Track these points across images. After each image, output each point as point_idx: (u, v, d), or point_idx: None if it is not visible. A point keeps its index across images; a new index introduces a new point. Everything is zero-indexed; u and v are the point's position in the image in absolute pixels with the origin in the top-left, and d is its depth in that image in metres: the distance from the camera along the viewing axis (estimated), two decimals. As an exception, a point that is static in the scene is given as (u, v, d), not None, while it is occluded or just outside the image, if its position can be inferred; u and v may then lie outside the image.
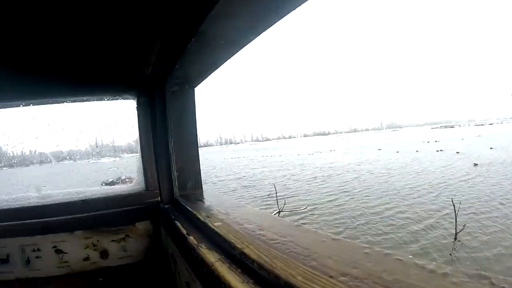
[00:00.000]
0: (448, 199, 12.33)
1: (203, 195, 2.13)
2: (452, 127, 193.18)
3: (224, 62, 1.66)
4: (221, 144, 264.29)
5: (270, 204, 13.39)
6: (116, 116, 2.70)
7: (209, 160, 47.89)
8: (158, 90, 2.21)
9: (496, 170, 18.73)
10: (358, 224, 10.26)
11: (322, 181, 19.15)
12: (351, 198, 13.91)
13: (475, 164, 21.52)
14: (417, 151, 37.38)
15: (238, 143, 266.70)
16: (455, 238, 8.35)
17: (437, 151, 34.77)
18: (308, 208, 12.35)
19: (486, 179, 16.14)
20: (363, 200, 13.34)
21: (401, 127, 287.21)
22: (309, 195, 15.30)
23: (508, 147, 33.32)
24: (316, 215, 11.52)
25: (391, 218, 10.55)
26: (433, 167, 22.01)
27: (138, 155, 2.58)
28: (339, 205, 12.82)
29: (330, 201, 13.67)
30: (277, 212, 11.11)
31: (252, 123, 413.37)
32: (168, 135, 2.24)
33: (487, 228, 9.07)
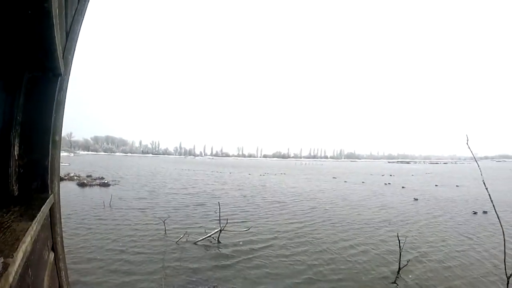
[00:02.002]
0: (376, 232, 13.16)
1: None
2: (408, 162, 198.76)
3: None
4: (180, 154, 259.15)
5: (215, 221, 13.38)
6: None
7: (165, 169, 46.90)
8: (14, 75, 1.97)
9: (432, 205, 20.31)
10: (294, 252, 10.35)
11: (276, 204, 19.15)
12: (293, 223, 14.10)
13: (415, 199, 23.11)
14: (363, 182, 38.96)
15: (198, 155, 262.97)
16: (398, 273, 8.45)
17: (385, 184, 36.47)
18: (251, 230, 12.21)
19: (419, 212, 17.33)
20: (307, 227, 13.54)
21: (359, 158, 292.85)
22: (255, 215, 15.35)
23: (451, 185, 36.10)
24: (257, 238, 11.43)
25: (334, 250, 10.45)
26: (375, 198, 23.07)
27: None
28: (278, 230, 12.90)
29: (275, 224, 13.77)
30: (218, 231, 11.02)
31: (213, 137, 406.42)
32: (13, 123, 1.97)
33: (427, 263, 9.36)
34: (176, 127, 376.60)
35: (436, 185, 35.56)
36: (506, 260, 7.48)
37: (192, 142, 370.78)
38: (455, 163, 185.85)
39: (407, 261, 8.69)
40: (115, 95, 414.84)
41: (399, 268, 8.44)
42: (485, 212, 17.70)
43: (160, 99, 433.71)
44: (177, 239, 10.49)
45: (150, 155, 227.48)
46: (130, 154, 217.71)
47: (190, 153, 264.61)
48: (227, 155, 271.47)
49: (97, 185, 26.01)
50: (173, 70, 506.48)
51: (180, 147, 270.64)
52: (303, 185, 32.90)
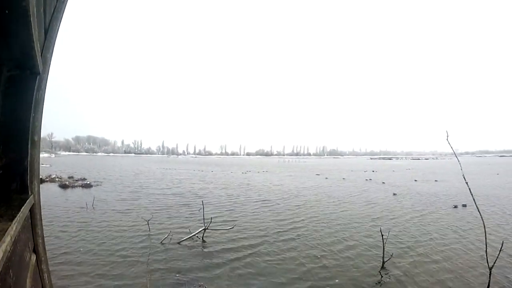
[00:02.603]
0: (358, 227, 13.34)
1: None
2: (390, 158, 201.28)
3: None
4: (163, 154, 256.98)
5: (199, 220, 13.31)
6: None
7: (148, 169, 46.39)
8: None
9: (410, 199, 20.77)
10: (279, 249, 10.39)
11: (260, 202, 19.16)
12: (278, 220, 14.18)
13: (394, 194, 23.61)
14: (343, 178, 39.58)
15: (181, 154, 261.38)
16: (383, 266, 8.57)
17: (366, 180, 37.10)
18: (236, 228, 12.22)
19: (398, 207, 17.58)
20: (292, 224, 13.57)
21: (342, 155, 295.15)
22: (239, 214, 15.29)
23: (430, 180, 36.89)
24: (242, 236, 11.40)
25: (319, 246, 10.53)
26: (357, 194, 23.38)
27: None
28: (264, 228, 12.88)
29: (259, 222, 13.77)
30: (202, 229, 10.96)
31: (196, 135, 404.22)
32: None
33: (410, 257, 9.51)
34: (158, 126, 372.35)
35: (415, 180, 36.28)
36: (487, 252, 7.69)
37: (175, 141, 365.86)
38: (436, 158, 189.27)
39: (391, 255, 8.85)
40: (97, 94, 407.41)
41: (383, 262, 8.57)
42: (464, 206, 18.14)
43: (142, 98, 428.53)
44: (162, 239, 10.41)
45: (133, 154, 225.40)
46: (112, 154, 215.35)
47: (173, 152, 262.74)
48: (210, 154, 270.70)
49: (79, 186, 25.58)
50: (156, 69, 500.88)
51: (163, 146, 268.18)
52: (287, 182, 33.03)
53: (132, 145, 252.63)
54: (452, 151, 8.01)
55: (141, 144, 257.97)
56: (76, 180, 29.25)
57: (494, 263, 7.37)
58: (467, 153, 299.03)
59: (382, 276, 7.97)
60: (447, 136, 7.57)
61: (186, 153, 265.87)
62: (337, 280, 7.63)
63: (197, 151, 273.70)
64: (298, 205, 18.04)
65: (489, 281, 7.33)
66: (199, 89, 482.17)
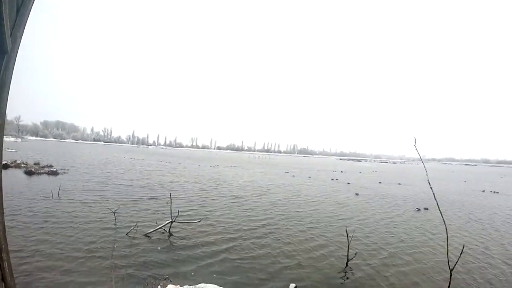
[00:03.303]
0: (320, 225, 13.53)
1: None
2: (359, 160, 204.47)
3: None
4: (132, 143, 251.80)
5: (167, 212, 13.22)
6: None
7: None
8: None
9: (372, 201, 21.49)
10: (246, 245, 10.41)
11: (228, 196, 19.20)
12: (242, 216, 14.18)
13: (357, 194, 24.54)
14: (309, 177, 40.40)
15: (151, 144, 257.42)
16: (347, 265, 8.79)
17: (332, 179, 38.07)
18: (202, 222, 12.23)
19: (360, 207, 17.98)
20: (258, 220, 13.66)
21: (312, 154, 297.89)
22: (208, 208, 15.24)
23: (394, 183, 38.20)
24: (210, 231, 11.38)
25: (284, 243, 10.67)
26: (321, 194, 23.80)
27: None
28: (232, 221, 12.96)
29: (227, 217, 13.75)
30: (169, 222, 10.86)
31: (167, 126, 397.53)
32: None
33: (374, 256, 9.79)
34: (129, 115, 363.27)
35: (380, 183, 37.49)
36: (448, 254, 8.06)
37: (146, 131, 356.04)
38: (404, 163, 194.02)
39: (355, 254, 9.17)
40: (68, 77, 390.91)
41: (347, 261, 8.84)
42: (426, 209, 18.88)
43: (114, 84, 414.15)
44: (128, 231, 10.29)
45: (102, 143, 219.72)
46: (81, 141, 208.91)
47: (143, 142, 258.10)
48: (181, 146, 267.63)
49: (45, 173, 24.87)
50: (129, 56, 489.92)
51: (133, 136, 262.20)
52: (257, 178, 33.21)
53: (102, 133, 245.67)
54: (419, 157, 8.35)
55: (111, 132, 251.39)
56: (42, 167, 28.36)
57: (455, 265, 7.72)
58: (433, 159, 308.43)
59: (345, 274, 8.18)
60: (415, 142, 7.88)
61: (156, 144, 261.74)
62: (301, 278, 7.74)
63: (167, 142, 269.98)
64: (266, 202, 18.11)
65: (450, 282, 7.62)
66: (172, 79, 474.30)
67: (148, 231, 10.38)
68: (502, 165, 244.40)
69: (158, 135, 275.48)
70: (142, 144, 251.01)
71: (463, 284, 8.17)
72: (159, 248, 9.13)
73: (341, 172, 55.81)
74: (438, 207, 8.49)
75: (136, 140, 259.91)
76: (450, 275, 7.61)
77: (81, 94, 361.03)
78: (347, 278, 7.99)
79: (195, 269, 7.73)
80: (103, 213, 12.75)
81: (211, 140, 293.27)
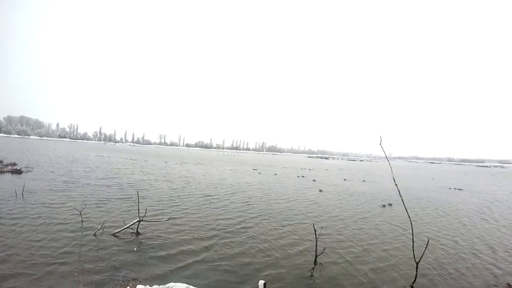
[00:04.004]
0: (294, 220, 13.77)
1: None
2: (326, 158, 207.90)
3: None
4: (99, 140, 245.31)
5: (135, 211, 13.09)
6: None
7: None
8: None
9: (335, 197, 22.30)
10: (211, 244, 10.41)
11: (197, 194, 19.15)
12: (212, 213, 14.19)
13: (321, 190, 25.39)
14: (275, 174, 41.08)
15: (118, 141, 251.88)
16: (315, 260, 9.07)
17: (298, 176, 38.90)
18: (172, 221, 12.24)
19: (324, 204, 18.31)
20: (224, 216, 13.80)
21: (281, 152, 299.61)
22: (178, 206, 15.21)
23: (358, 180, 39.55)
24: (178, 229, 11.39)
25: (253, 240, 10.81)
26: (287, 190, 24.32)
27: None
28: (201, 220, 12.98)
29: (194, 214, 13.79)
30: (137, 221, 10.70)
31: (135, 122, 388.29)
32: None
33: (341, 251, 10.15)
34: (96, 110, 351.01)
35: (345, 179, 38.73)
36: (414, 247, 8.65)
37: (113, 127, 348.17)
38: (371, 161, 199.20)
39: (323, 249, 9.55)
40: (32, 69, 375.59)
41: (316, 256, 9.15)
42: (390, 205, 19.82)
43: (80, 78, 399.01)
44: (95, 231, 10.17)
45: (68, 139, 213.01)
46: (46, 138, 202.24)
47: (110, 139, 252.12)
48: (149, 143, 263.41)
49: (8, 171, 24.17)
50: (96, 49, 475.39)
51: (100, 132, 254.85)
52: (227, 176, 33.14)
53: (67, 129, 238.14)
54: (384, 155, 8.96)
55: (77, 128, 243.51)
56: (5, 165, 27.44)
57: (421, 258, 8.30)
58: (400, 157, 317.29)
59: (314, 269, 8.49)
60: (381, 141, 8.42)
61: (124, 141, 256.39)
62: (269, 275, 7.90)
63: (135, 139, 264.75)
64: (236, 201, 18.20)
65: (416, 274, 8.16)
66: (140, 74, 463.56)
67: (116, 231, 10.25)
68: (464, 163, 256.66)
69: (126, 132, 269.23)
70: (109, 141, 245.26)
71: (429, 275, 8.64)
72: (127, 248, 9.04)
73: (309, 169, 56.89)
74: (403, 203, 9.15)
75: (103, 136, 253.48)
76: (416, 268, 8.13)
77: (46, 88, 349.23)
78: (315, 273, 8.27)
79: (164, 268, 7.75)
80: (70, 214, 12.45)
81: (180, 137, 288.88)
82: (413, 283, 7.99)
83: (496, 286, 8.12)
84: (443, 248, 11.27)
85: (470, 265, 9.68)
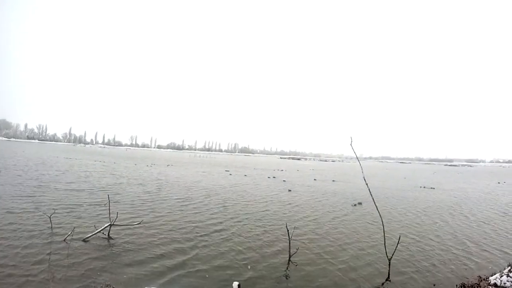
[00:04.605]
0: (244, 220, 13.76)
1: None
2: (298, 159, 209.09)
3: None
4: (69, 142, 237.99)
5: (105, 216, 12.78)
6: None
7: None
8: None
9: (302, 196, 22.24)
10: (186, 248, 10.22)
11: (172, 197, 18.99)
12: (185, 216, 14.10)
13: (290, 190, 25.85)
14: (245, 175, 41.42)
15: (88, 143, 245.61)
16: (289, 260, 9.19)
17: (268, 177, 39.34)
18: (142, 224, 12.09)
19: (294, 203, 18.47)
20: (197, 219, 13.73)
21: (253, 153, 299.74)
22: (150, 210, 15.10)
23: (328, 180, 40.14)
24: (150, 232, 11.32)
25: (228, 242, 10.85)
26: (259, 191, 24.58)
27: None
28: (175, 224, 12.86)
29: (168, 218, 13.66)
30: (108, 226, 10.51)
31: (106, 123, 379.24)
32: None
33: (314, 250, 10.41)
34: (66, 110, 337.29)
35: (315, 179, 39.51)
36: (386, 244, 9.00)
37: (83, 128, 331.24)
38: (342, 161, 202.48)
39: (297, 249, 9.65)
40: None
41: (289, 256, 9.29)
42: (360, 203, 20.43)
43: (48, 76, 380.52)
44: (65, 237, 9.90)
45: (37, 141, 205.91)
46: (14, 139, 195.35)
47: (80, 140, 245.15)
48: (120, 144, 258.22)
49: (-29, 176, 22.81)
50: (64, 46, 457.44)
51: (70, 134, 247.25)
52: (200, 179, 32.94)
53: (36, 130, 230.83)
54: (355, 155, 9.31)
55: (46, 129, 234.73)
56: None
57: (393, 254, 8.64)
58: (370, 158, 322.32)
59: (288, 268, 8.65)
60: (351, 141, 8.69)
61: (94, 142, 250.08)
62: (244, 275, 8.03)
63: (106, 140, 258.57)
64: (210, 203, 18.08)
65: (389, 270, 8.46)
66: (110, 73, 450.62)
67: (87, 236, 10.06)
68: (434, 162, 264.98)
69: (96, 133, 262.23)
70: (79, 143, 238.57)
71: (403, 271, 8.97)
72: (99, 253, 8.87)
73: (281, 170, 57.37)
74: (374, 201, 9.51)
75: (73, 138, 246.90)
76: (389, 263, 8.43)
77: (15, 87, 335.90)
78: (290, 272, 8.41)
79: (138, 274, 7.65)
80: (39, 219, 12.06)
81: (151, 138, 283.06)
82: (387, 279, 8.28)
83: (467, 278, 8.46)
84: (417, 244, 11.77)
85: (443, 260, 10.17)
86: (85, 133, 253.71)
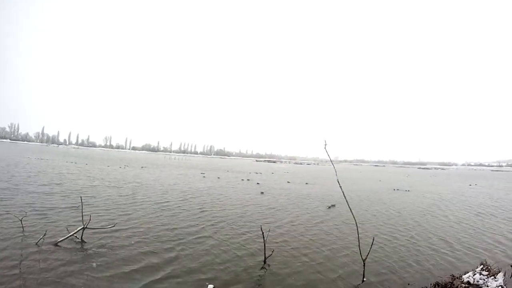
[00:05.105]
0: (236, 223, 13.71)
1: None
2: (274, 162, 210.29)
3: None
4: (42, 142, 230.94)
5: (78, 219, 12.51)
6: None
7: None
8: None
9: (276, 198, 22.65)
10: (165, 248, 10.25)
11: (145, 200, 18.79)
12: (160, 220, 13.98)
13: (262, 193, 26.17)
14: (218, 177, 41.56)
15: (62, 143, 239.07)
16: (265, 262, 9.30)
17: (242, 180, 39.73)
18: (117, 226, 11.97)
19: (265, 205, 18.32)
20: (171, 223, 13.61)
21: (229, 156, 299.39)
22: (126, 213, 14.88)
23: (301, 183, 40.44)
24: (124, 235, 11.18)
25: (203, 245, 10.84)
26: (232, 194, 24.57)
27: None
28: (150, 228, 12.70)
29: (143, 222, 13.48)
30: (81, 229, 10.29)
31: (79, 123, 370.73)
32: None
33: (289, 252, 10.52)
34: (38, 109, 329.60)
35: (288, 182, 40.06)
36: (360, 245, 9.18)
37: (56, 128, 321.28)
38: (317, 164, 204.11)
39: (272, 251, 9.81)
40: None
41: (265, 258, 9.41)
42: (333, 206, 20.84)
43: (20, 74, 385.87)
44: (37, 240, 9.70)
45: (8, 140, 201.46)
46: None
47: (54, 140, 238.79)
48: (94, 145, 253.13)
49: None
50: (35, 43, 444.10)
51: (43, 133, 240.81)
52: (176, 181, 32.76)
53: (8, 129, 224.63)
54: (329, 159, 9.56)
55: (18, 128, 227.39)
56: None
57: (367, 255, 8.82)
58: (345, 161, 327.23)
59: (264, 272, 8.70)
60: (325, 144, 8.89)
61: (67, 143, 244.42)
62: (220, 277, 8.05)
63: (79, 141, 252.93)
64: (187, 207, 17.95)
65: (364, 270, 8.64)
66: (84, 71, 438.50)
67: (59, 240, 9.84)
68: (407, 165, 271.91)
69: (70, 133, 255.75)
70: (52, 143, 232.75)
71: (377, 270, 9.21)
72: (71, 258, 8.67)
73: (256, 173, 57.69)
74: (348, 204, 9.71)
75: (46, 138, 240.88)
76: (364, 265, 8.62)
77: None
78: (265, 275, 8.48)
79: (112, 279, 7.54)
80: (9, 220, 11.82)
81: (126, 139, 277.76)
82: (362, 279, 8.48)
83: (441, 277, 8.77)
84: (393, 245, 12.17)
85: (418, 260, 10.53)
86: (58, 133, 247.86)
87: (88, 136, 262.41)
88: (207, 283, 7.63)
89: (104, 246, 9.86)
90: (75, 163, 51.45)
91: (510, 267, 9.81)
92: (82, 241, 10.10)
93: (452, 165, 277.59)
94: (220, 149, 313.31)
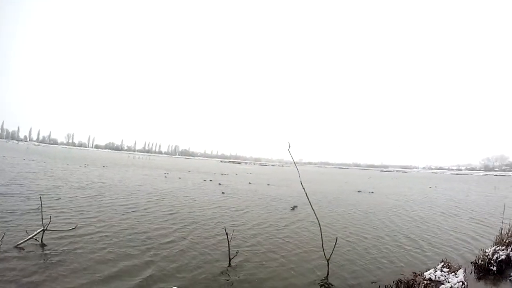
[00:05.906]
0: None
1: None
2: (239, 163, 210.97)
3: None
4: (1, 138, 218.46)
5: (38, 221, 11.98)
6: None
7: None
8: None
9: (238, 199, 22.32)
10: (125, 254, 10.06)
11: (99, 198, 18.31)
12: (124, 222, 13.68)
13: (223, 193, 26.45)
14: (179, 178, 41.46)
15: (22, 139, 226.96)
16: (229, 264, 9.28)
17: (204, 180, 39.85)
18: (78, 228, 11.64)
19: (225, 206, 18.23)
20: (135, 225, 13.35)
21: (194, 156, 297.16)
22: (87, 216, 14.35)
23: (263, 184, 41.24)
24: (85, 237, 10.92)
25: (166, 246, 10.77)
26: (192, 194, 24.49)
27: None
28: (114, 229, 12.40)
29: (103, 223, 13.16)
30: (41, 231, 9.94)
31: (41, 119, 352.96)
32: None
33: (254, 253, 10.54)
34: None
35: (249, 183, 40.47)
36: (324, 246, 9.29)
37: (16, 123, 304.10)
38: (282, 166, 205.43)
39: (236, 252, 9.87)
40: None
41: (229, 260, 9.40)
42: (296, 207, 20.87)
43: None
44: None
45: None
46: None
47: (13, 136, 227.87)
48: (55, 142, 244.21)
49: None
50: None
51: (2, 129, 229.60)
52: (142, 182, 32.12)
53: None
54: (293, 161, 9.58)
55: None
56: None
57: (331, 255, 9.05)
58: (310, 163, 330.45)
59: (228, 273, 8.70)
60: (289, 147, 8.99)
61: (28, 139, 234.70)
62: (185, 278, 8.11)
63: (40, 137, 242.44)
64: (152, 208, 17.60)
65: (328, 270, 8.86)
66: (46, 65, 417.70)
67: (18, 243, 9.45)
68: (370, 168, 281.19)
69: (31, 129, 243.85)
70: (12, 139, 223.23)
71: (341, 269, 9.40)
72: (30, 261, 8.38)
73: (221, 174, 57.70)
74: (311, 204, 9.85)
75: (5, 134, 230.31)
76: (328, 264, 8.89)
77: None
78: (230, 275, 8.49)
79: (71, 282, 7.34)
80: None
81: (89, 137, 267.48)
82: (326, 279, 8.64)
83: (403, 275, 9.00)
84: (357, 245, 12.43)
85: (382, 258, 10.81)
86: (18, 129, 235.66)
87: (50, 132, 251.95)
88: (174, 284, 7.59)
89: (65, 249, 9.50)
90: (37, 161, 49.25)
91: (470, 264, 10.34)
92: (42, 244, 9.71)
93: (413, 168, 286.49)
94: (185, 149, 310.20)
